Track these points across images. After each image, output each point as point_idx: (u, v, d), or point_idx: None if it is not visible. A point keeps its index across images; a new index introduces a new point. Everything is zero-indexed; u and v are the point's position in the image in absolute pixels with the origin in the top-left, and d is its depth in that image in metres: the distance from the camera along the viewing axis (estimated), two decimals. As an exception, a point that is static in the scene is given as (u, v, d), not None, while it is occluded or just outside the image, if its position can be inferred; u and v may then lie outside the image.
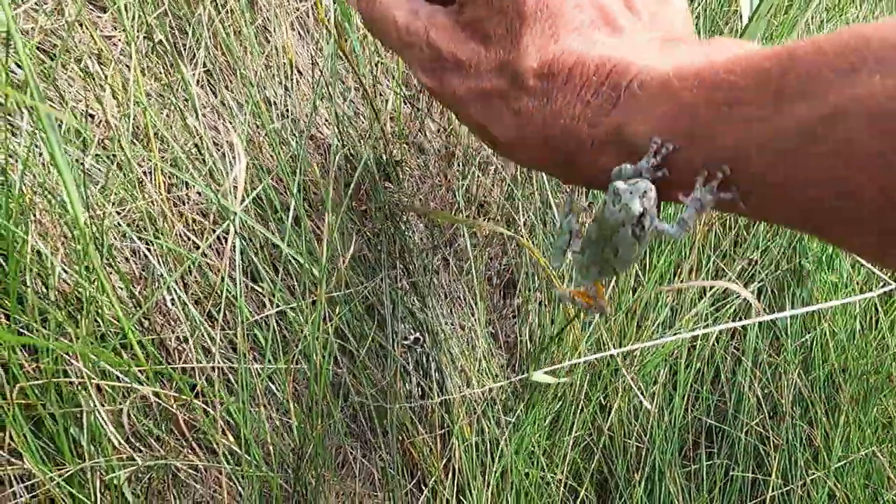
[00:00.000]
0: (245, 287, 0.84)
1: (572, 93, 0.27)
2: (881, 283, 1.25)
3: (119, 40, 0.91)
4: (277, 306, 0.83)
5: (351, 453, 0.89)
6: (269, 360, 0.81)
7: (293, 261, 0.86)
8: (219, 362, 0.78)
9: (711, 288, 1.15)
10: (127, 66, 0.88)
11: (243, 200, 0.83)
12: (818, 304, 1.10)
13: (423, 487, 0.93)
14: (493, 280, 1.14)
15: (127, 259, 0.84)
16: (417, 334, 0.96)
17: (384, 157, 1.12)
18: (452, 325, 1.01)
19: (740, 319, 1.16)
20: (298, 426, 0.82)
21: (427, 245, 1.11)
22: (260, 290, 0.87)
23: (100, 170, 0.84)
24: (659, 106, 0.25)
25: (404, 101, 1.22)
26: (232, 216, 0.79)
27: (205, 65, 0.99)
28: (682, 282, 1.07)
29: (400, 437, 0.92)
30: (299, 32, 1.15)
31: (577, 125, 0.27)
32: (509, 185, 1.10)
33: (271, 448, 0.85)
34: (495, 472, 0.95)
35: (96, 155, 0.83)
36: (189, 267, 0.84)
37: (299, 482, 0.83)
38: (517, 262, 1.11)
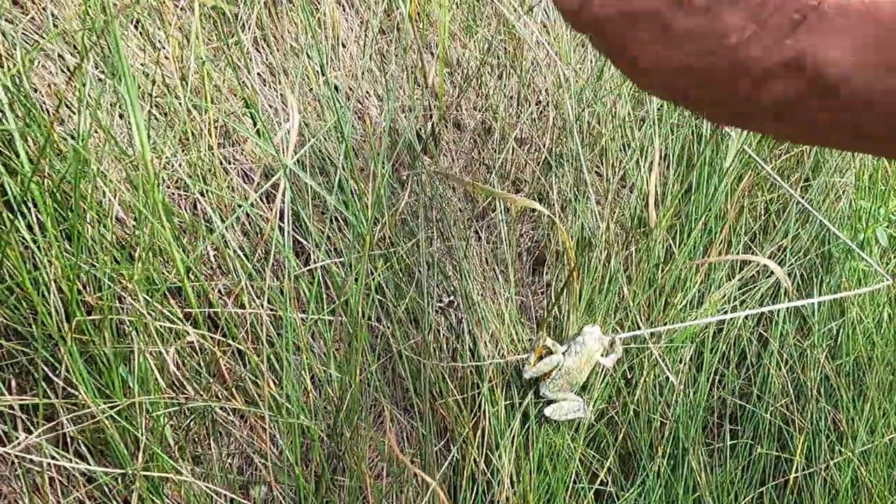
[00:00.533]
0: (293, 241, 0.87)
1: (745, 9, 0.23)
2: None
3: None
4: (323, 260, 0.86)
5: (386, 408, 0.92)
6: (313, 312, 0.84)
7: (338, 219, 0.89)
8: (265, 310, 0.81)
9: (740, 270, 1.17)
10: (188, 25, 0.91)
11: (295, 154, 0.85)
12: (847, 292, 1.11)
13: (452, 446, 0.95)
14: (523, 255, 1.17)
15: (181, 207, 0.87)
16: (452, 297, 0.99)
17: (424, 131, 1.15)
18: (483, 293, 1.04)
19: (767, 304, 1.17)
20: (339, 378, 0.85)
21: (462, 215, 1.14)
22: (306, 243, 0.90)
23: (157, 119, 0.87)
24: (860, 31, 0.22)
25: (446, 78, 1.25)
26: (283, 168, 0.82)
27: (258, 29, 1.02)
28: (712, 258, 1.08)
29: (432, 395, 0.94)
30: (344, 6, 1.19)
31: (746, 49, 0.23)
32: (545, 160, 1.12)
33: (311, 398, 0.88)
34: (520, 436, 0.97)
35: (155, 105, 0.87)
36: (240, 218, 0.88)
37: (335, 433, 0.85)
38: (548, 239, 1.13)
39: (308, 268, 0.85)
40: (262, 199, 0.91)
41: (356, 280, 0.84)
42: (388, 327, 0.91)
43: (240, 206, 0.84)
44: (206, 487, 0.86)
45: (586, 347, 0.95)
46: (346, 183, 0.91)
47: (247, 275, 0.82)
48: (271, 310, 0.85)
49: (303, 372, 0.85)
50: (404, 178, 1.05)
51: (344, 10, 1.17)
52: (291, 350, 0.80)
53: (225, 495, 0.88)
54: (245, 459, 0.92)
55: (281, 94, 0.98)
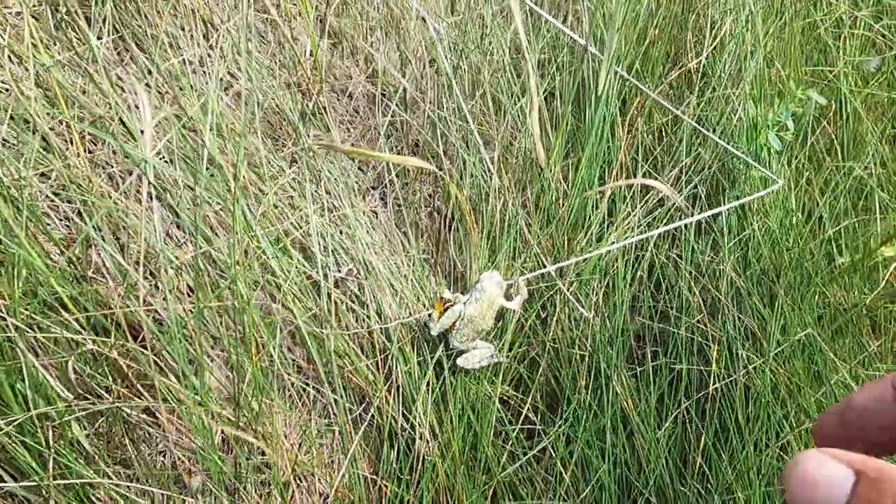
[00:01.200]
0: (166, 234, 0.88)
1: None
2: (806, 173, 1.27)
3: (11, 9, 0.93)
4: (201, 248, 0.86)
5: (293, 384, 0.94)
6: (199, 299, 0.85)
7: (210, 203, 0.89)
8: (145, 306, 0.82)
9: (644, 197, 1.18)
10: (26, 34, 0.90)
11: (154, 147, 0.85)
12: (735, 202, 1.12)
13: (370, 410, 0.97)
14: (434, 216, 1.17)
15: (57, 220, 0.87)
16: (350, 266, 1.00)
17: (307, 105, 1.14)
18: (387, 257, 1.05)
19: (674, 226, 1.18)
20: (235, 358, 0.86)
21: (359, 185, 1.14)
22: (183, 234, 0.90)
23: (15, 136, 0.87)
24: None
25: (328, 50, 1.24)
26: (142, 162, 0.82)
27: (115, 30, 1.01)
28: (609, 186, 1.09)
29: (340, 365, 0.96)
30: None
31: None
32: (439, 124, 1.12)
33: (216, 382, 0.90)
34: (437, 389, 0.99)
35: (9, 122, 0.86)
36: (116, 221, 0.88)
37: (243, 411, 0.87)
38: (446, 196, 1.14)
39: (186, 256, 0.85)
40: (138, 195, 0.92)
41: (237, 263, 0.85)
42: (283, 303, 0.93)
43: (107, 208, 0.84)
44: (137, 488, 0.88)
45: (486, 293, 0.97)
46: (220, 166, 0.91)
47: (122, 274, 0.83)
48: (152, 303, 0.86)
49: (203, 360, 0.87)
50: (288, 154, 1.05)
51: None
52: (179, 340, 0.81)
53: (160, 494, 0.90)
54: (176, 455, 0.94)
55: (148, 89, 0.97)
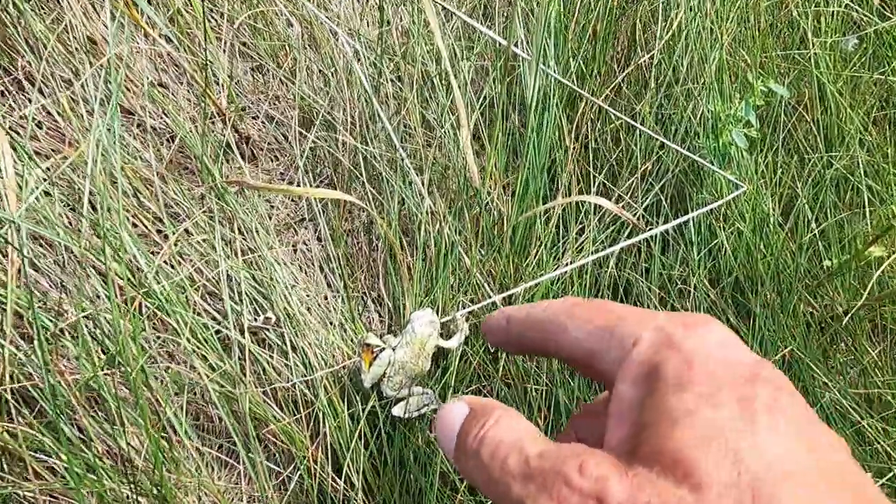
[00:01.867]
0: (42, 295, 0.79)
1: None
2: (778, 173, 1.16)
3: None
4: (83, 311, 0.78)
5: (207, 453, 0.84)
6: (84, 367, 0.76)
7: (95, 258, 0.80)
8: (16, 382, 0.73)
9: (600, 210, 1.07)
10: None
11: (22, 205, 0.77)
12: (691, 213, 1.01)
13: (298, 471, 0.87)
14: (363, 249, 1.08)
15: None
16: (268, 314, 0.90)
17: (227, 135, 1.05)
18: (310, 301, 0.95)
19: (640, 240, 1.07)
20: (127, 431, 0.77)
21: (288, 216, 1.05)
22: (62, 297, 0.81)
23: None
24: None
25: (248, 71, 1.15)
26: (10, 223, 0.74)
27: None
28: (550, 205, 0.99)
29: (256, 425, 0.87)
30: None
31: None
32: (361, 148, 1.02)
33: (118, 456, 0.81)
34: (372, 442, 0.89)
35: None
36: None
37: (140, 487, 0.78)
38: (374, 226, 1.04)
39: (66, 322, 0.77)
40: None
41: (128, 321, 0.76)
42: (186, 362, 0.83)
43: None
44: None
45: (416, 335, 0.87)
46: (102, 209, 0.83)
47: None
48: (27, 376, 0.77)
49: (95, 435, 0.78)
50: (196, 195, 0.96)
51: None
52: (58, 414, 0.73)
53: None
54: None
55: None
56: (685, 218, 0.97)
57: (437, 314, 0.91)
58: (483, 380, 1.00)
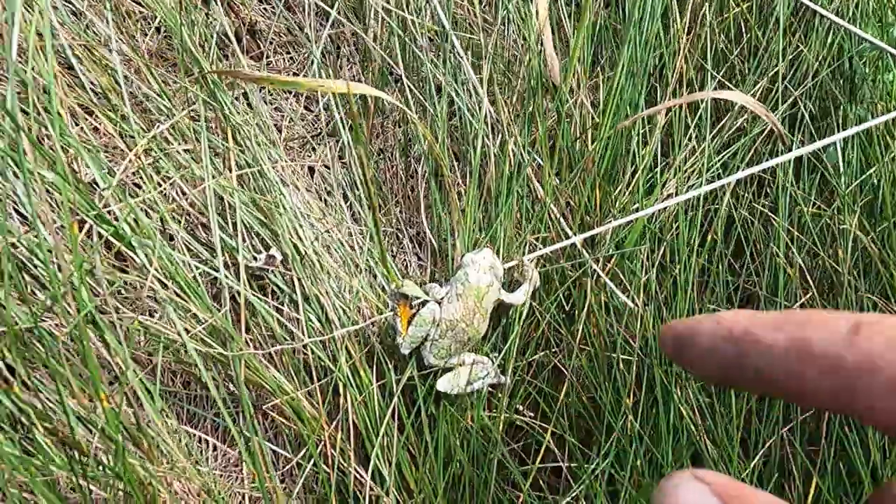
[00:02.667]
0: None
1: None
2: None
3: None
4: (9, 235, 0.56)
5: (176, 430, 0.63)
6: (16, 314, 0.55)
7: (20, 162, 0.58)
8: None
9: (717, 123, 0.80)
10: None
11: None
12: (874, 120, 0.72)
13: (310, 458, 0.66)
14: (399, 171, 0.83)
15: None
16: (273, 251, 0.68)
17: (234, 23, 0.81)
18: (332, 234, 0.72)
19: (759, 164, 0.80)
20: (76, 402, 0.57)
21: (303, 128, 0.81)
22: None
23: None
24: None
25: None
26: None
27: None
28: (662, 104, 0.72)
29: (256, 397, 0.65)
30: None
31: None
32: (398, 31, 0.76)
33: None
34: (408, 425, 0.67)
35: None
36: None
37: (97, 477, 0.58)
38: (415, 137, 0.80)
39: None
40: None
41: (62, 252, 0.54)
42: (159, 313, 0.62)
43: None
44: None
45: (471, 285, 0.63)
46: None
47: None
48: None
49: (31, 407, 0.58)
50: (175, 91, 0.72)
51: None
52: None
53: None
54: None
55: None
56: (849, 132, 0.69)
57: (499, 258, 0.66)
58: (554, 345, 0.76)
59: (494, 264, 0.64)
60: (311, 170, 0.76)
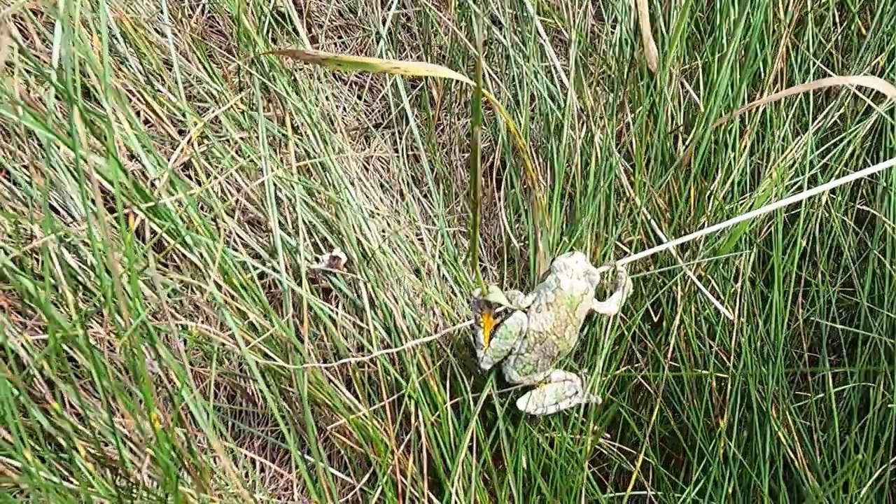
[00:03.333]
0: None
1: None
2: None
3: None
4: (54, 231, 0.49)
5: (232, 450, 0.56)
6: (56, 320, 0.48)
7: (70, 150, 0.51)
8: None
9: (816, 117, 0.73)
10: None
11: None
12: None
13: (377, 483, 0.59)
14: (460, 163, 0.76)
15: None
16: (336, 251, 0.61)
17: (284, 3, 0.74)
18: (399, 233, 0.65)
19: (868, 165, 0.73)
20: (122, 419, 0.50)
21: (356, 119, 0.74)
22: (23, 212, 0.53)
23: None
24: None
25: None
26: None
27: None
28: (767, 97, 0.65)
29: (317, 416, 0.58)
30: None
31: None
32: (476, 9, 0.70)
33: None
34: (486, 448, 0.60)
35: None
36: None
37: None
38: (494, 131, 0.72)
39: (28, 248, 0.48)
40: None
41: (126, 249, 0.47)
42: (215, 320, 0.55)
43: None
44: None
45: (564, 292, 0.56)
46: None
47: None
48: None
49: (72, 425, 0.51)
50: (230, 72, 0.66)
51: None
52: (20, 393, 0.45)
53: None
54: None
55: None
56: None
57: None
58: (637, 359, 0.69)
59: (589, 269, 0.56)
60: (367, 163, 0.69)
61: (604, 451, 0.68)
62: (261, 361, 0.53)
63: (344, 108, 0.77)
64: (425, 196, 0.69)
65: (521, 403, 0.59)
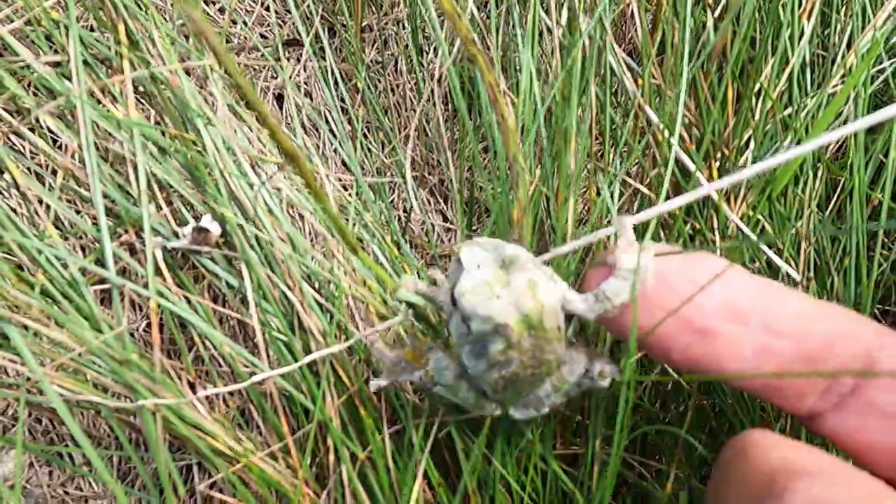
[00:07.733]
0: None
1: None
2: None
3: None
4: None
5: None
6: None
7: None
8: None
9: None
10: None
11: None
12: None
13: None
14: (404, 85, 0.55)
15: None
16: (204, 220, 0.41)
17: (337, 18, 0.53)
18: (298, 189, 0.45)
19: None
20: None
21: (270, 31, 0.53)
22: None
23: None
24: None
25: None
26: None
27: None
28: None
29: (185, 466, 0.40)
30: None
31: None
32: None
33: None
34: (444, 491, 0.41)
35: None
36: None
37: None
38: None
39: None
40: None
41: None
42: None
43: None
44: None
45: (494, 316, 0.34)
46: None
47: None
48: None
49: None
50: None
51: None
52: None
53: None
54: None
55: None
56: None
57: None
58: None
59: (500, 247, 0.34)
60: (277, 95, 0.49)
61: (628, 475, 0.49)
62: (74, 396, 0.35)
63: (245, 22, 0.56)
64: (352, 138, 0.49)
65: (512, 409, 0.40)
